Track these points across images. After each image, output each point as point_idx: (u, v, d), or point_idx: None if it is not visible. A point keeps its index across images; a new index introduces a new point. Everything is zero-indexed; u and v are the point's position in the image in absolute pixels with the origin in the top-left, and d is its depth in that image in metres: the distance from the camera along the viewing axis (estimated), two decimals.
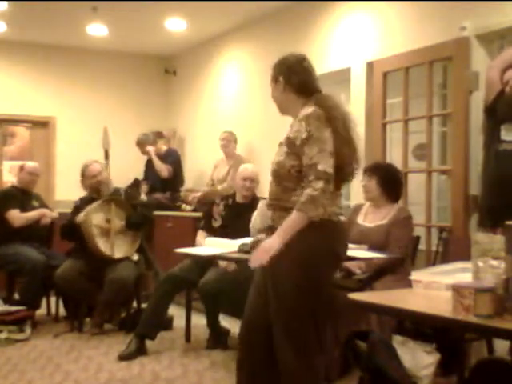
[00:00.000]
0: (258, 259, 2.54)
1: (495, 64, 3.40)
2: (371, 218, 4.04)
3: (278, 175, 2.59)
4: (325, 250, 2.58)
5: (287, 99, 2.73)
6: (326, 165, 2.48)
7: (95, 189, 5.07)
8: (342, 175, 2.61)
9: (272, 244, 2.51)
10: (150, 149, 7.00)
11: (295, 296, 2.54)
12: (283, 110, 2.80)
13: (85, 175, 5.12)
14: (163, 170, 6.84)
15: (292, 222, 2.49)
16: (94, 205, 4.89)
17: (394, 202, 4.07)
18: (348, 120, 2.65)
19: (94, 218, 4.86)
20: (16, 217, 5.22)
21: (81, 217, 4.86)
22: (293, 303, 2.54)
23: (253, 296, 2.75)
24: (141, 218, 5.05)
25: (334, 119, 2.59)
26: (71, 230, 4.93)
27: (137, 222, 5.02)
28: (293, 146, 2.56)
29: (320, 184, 2.45)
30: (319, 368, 2.62)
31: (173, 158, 7.00)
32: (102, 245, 4.85)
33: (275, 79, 2.74)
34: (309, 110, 2.59)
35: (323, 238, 2.56)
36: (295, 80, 2.71)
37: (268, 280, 2.61)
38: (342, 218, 2.73)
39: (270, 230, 2.62)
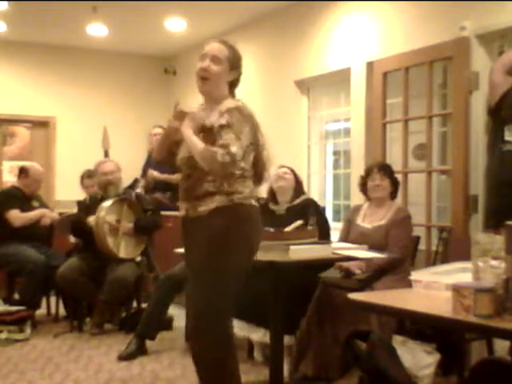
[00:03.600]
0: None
1: (496, 67, 3.42)
2: (370, 218, 4.05)
3: (193, 163, 2.62)
4: (237, 232, 2.67)
5: (224, 88, 2.77)
6: (237, 152, 2.53)
7: (103, 187, 5.06)
8: (258, 173, 2.77)
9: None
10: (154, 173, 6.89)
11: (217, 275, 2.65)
12: (212, 90, 2.76)
13: (96, 171, 5.12)
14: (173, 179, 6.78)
15: (193, 141, 2.59)
16: (108, 202, 4.90)
17: (392, 200, 4.11)
18: (261, 130, 2.77)
19: (107, 215, 4.87)
20: (16, 217, 5.22)
21: (95, 216, 4.87)
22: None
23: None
24: (150, 222, 5.05)
25: (254, 118, 2.71)
26: (82, 226, 4.94)
27: (145, 226, 5.02)
28: (208, 134, 2.62)
29: (226, 158, 2.51)
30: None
31: None
32: (110, 243, 4.85)
33: (233, 66, 2.75)
34: (231, 103, 2.68)
35: (235, 221, 2.66)
36: (238, 79, 2.81)
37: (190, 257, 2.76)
38: (255, 203, 2.79)
39: (188, 219, 2.72)
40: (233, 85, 2.80)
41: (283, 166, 4.45)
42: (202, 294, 2.66)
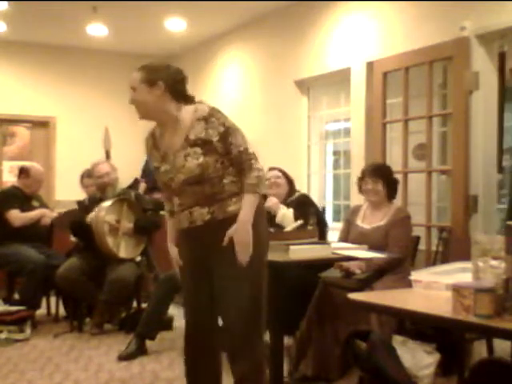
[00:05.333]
0: (246, 254, 2.59)
1: None
2: (370, 219, 4.04)
3: (203, 177, 2.60)
4: (264, 225, 2.74)
5: (163, 104, 2.67)
6: (252, 147, 2.65)
7: (100, 189, 5.06)
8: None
9: (246, 235, 2.58)
10: None
11: (255, 272, 2.63)
12: (150, 114, 2.71)
13: (92, 173, 5.14)
14: None
15: (252, 204, 2.61)
16: (108, 203, 4.90)
17: (391, 200, 4.09)
18: None
19: (107, 215, 4.87)
20: (16, 217, 5.22)
21: (94, 213, 4.87)
22: (252, 280, 2.63)
23: (192, 286, 2.79)
24: (150, 223, 5.05)
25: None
26: (81, 226, 4.94)
27: (145, 226, 5.02)
28: (208, 144, 2.59)
29: (259, 164, 2.63)
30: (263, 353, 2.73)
31: None
32: (110, 243, 4.85)
33: (151, 83, 2.66)
34: (204, 107, 2.65)
35: (263, 214, 2.75)
36: (178, 88, 2.70)
37: (219, 262, 2.64)
38: None
39: (210, 224, 2.64)
40: (177, 95, 2.69)
41: (273, 169, 4.40)
42: (245, 306, 2.61)
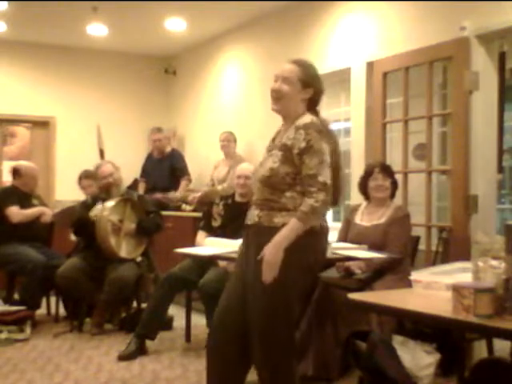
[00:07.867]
0: (269, 274, 2.54)
1: None
2: (368, 217, 4.05)
3: (269, 181, 2.61)
4: (320, 254, 2.71)
5: (299, 106, 2.70)
6: (326, 177, 2.55)
7: (105, 189, 5.07)
8: (334, 197, 2.66)
9: (275, 256, 2.53)
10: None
11: (288, 299, 2.61)
12: (283, 109, 2.71)
13: (96, 176, 5.15)
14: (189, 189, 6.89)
15: (291, 230, 2.54)
16: (111, 203, 4.90)
17: (392, 200, 4.11)
18: (339, 149, 2.72)
19: (111, 215, 4.87)
20: (16, 213, 5.20)
21: (98, 211, 4.87)
22: (284, 305, 2.61)
23: (230, 295, 2.79)
24: (152, 224, 5.05)
25: (330, 137, 2.68)
26: (84, 224, 4.94)
27: (148, 227, 5.03)
28: (288, 153, 2.59)
29: (321, 196, 2.53)
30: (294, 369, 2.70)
31: (183, 162, 7.02)
32: (112, 243, 4.85)
33: (305, 85, 2.68)
34: (307, 119, 2.63)
35: (321, 244, 2.69)
36: (316, 97, 2.74)
37: (256, 282, 2.61)
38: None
39: (256, 227, 2.65)
40: (312, 102, 2.73)
41: None
42: (260, 326, 2.61)
